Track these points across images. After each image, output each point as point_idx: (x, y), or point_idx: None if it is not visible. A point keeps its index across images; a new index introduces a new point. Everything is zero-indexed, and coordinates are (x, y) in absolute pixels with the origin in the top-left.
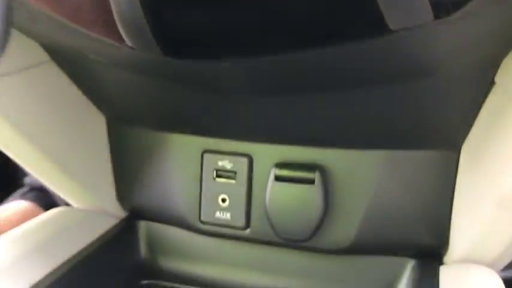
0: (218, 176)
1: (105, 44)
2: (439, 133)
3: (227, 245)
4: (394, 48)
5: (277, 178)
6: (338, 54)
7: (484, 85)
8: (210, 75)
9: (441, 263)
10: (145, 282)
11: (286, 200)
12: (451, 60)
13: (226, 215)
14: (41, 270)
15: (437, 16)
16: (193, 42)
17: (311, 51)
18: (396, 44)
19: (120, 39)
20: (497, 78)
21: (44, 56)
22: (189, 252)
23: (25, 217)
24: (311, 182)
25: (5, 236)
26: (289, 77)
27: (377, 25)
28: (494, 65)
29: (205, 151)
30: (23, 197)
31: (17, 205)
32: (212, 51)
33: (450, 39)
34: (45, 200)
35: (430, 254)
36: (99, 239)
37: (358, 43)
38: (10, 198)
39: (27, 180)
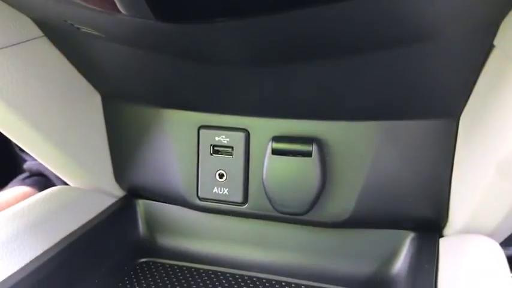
0: (215, 151)
1: (97, 12)
2: (438, 101)
3: (226, 221)
4: (391, 7)
5: (274, 151)
6: (333, 15)
7: (483, 48)
8: (203, 42)
9: (441, 235)
10: (143, 260)
11: (283, 173)
12: (449, 22)
13: (224, 190)
14: (40, 246)
15: None
16: (185, 3)
17: (305, 11)
18: (393, 3)
19: (112, 6)
20: (496, 41)
21: (37, 31)
22: (187, 230)
23: None
24: (308, 154)
25: (4, 212)
26: (284, 42)
27: None
28: (493, 28)
29: (201, 127)
30: (23, 182)
31: (16, 190)
32: (204, 13)
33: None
34: (45, 184)
35: (430, 226)
36: (97, 217)
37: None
38: (10, 184)
39: (26, 166)
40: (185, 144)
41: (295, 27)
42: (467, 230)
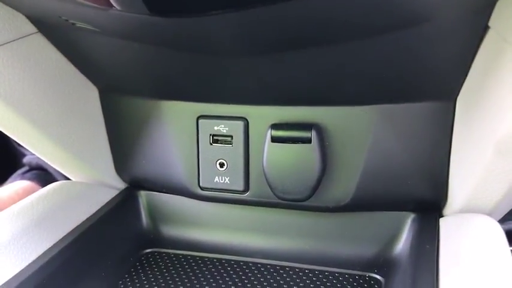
0: (215, 141)
1: (92, 8)
2: (435, 83)
3: (228, 209)
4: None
5: (274, 139)
6: (328, 3)
7: (478, 30)
8: (198, 35)
9: (441, 215)
10: (148, 250)
11: (283, 160)
12: (444, 5)
13: (225, 179)
14: (47, 242)
15: None
16: None
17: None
18: None
19: (106, 1)
20: (491, 23)
21: (31, 28)
22: (190, 219)
23: (26, 195)
24: (307, 141)
25: (8, 210)
26: (280, 32)
27: None
28: (488, 9)
29: (200, 116)
30: (23, 177)
31: (17, 184)
32: (199, 6)
33: None
34: (45, 178)
35: (430, 207)
36: (100, 211)
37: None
38: (10, 179)
39: (25, 160)
40: (184, 134)
41: (291, 17)
42: (467, 210)
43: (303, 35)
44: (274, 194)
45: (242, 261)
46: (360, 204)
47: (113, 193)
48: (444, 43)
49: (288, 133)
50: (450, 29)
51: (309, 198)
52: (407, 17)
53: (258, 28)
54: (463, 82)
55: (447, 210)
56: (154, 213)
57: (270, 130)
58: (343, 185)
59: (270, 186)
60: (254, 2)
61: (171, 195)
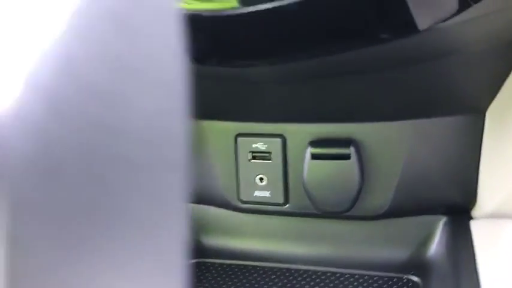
0: (254, 157)
1: None
2: (466, 100)
3: (268, 220)
4: (423, 43)
5: (314, 156)
6: (370, 53)
7: (511, 57)
8: (238, 74)
9: (470, 217)
10: (193, 261)
11: (323, 176)
12: (478, 44)
13: (265, 193)
14: None
15: (460, 9)
16: (222, 52)
17: (343, 54)
18: (425, 40)
19: None
20: None
21: None
22: (231, 229)
23: None
24: (347, 157)
25: None
26: (319, 67)
27: (407, 26)
28: None
29: (238, 135)
30: None
31: None
32: (241, 59)
33: (476, 30)
34: None
35: (460, 210)
36: None
37: (391, 43)
38: None
39: None
40: (224, 151)
41: (331, 59)
42: (496, 215)
43: (346, 70)
44: (315, 207)
45: (285, 268)
46: (396, 212)
47: None
48: (477, 68)
49: (327, 150)
50: (483, 56)
51: (349, 210)
52: (443, 55)
53: (299, 66)
54: (494, 97)
55: (476, 212)
56: (195, 224)
57: (309, 148)
58: (381, 196)
59: (310, 200)
60: (297, 58)
61: (212, 207)
